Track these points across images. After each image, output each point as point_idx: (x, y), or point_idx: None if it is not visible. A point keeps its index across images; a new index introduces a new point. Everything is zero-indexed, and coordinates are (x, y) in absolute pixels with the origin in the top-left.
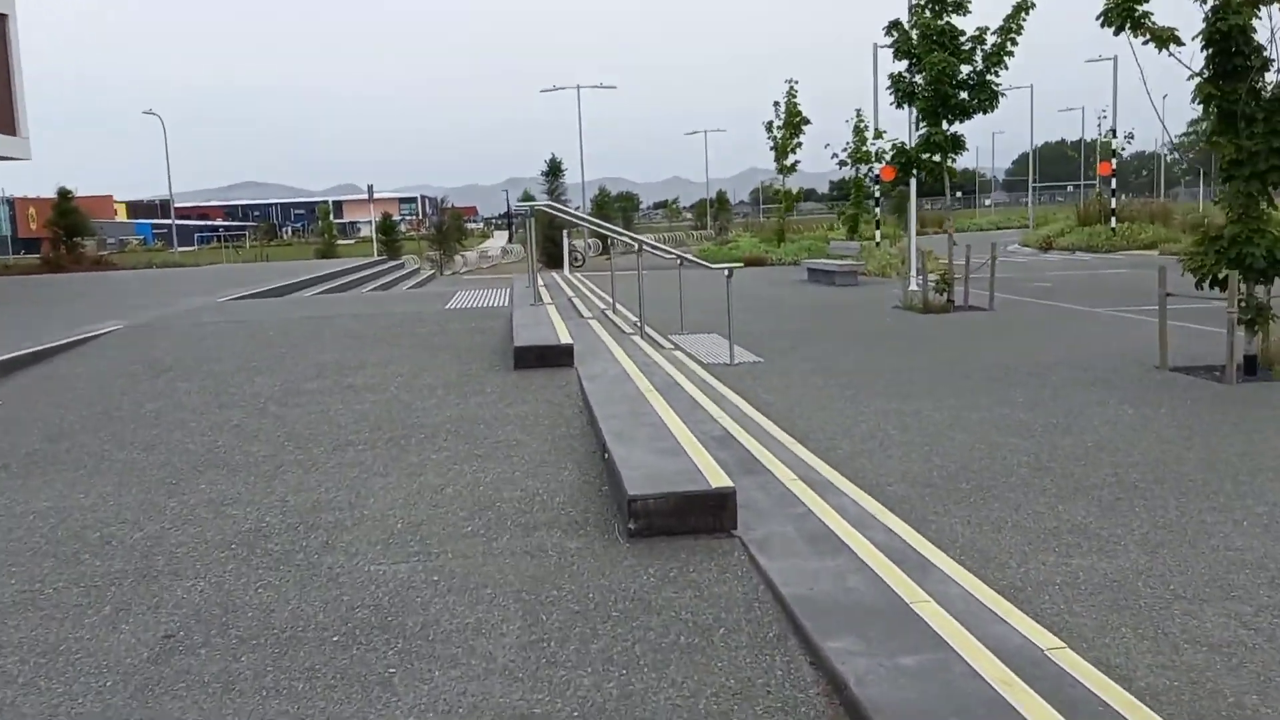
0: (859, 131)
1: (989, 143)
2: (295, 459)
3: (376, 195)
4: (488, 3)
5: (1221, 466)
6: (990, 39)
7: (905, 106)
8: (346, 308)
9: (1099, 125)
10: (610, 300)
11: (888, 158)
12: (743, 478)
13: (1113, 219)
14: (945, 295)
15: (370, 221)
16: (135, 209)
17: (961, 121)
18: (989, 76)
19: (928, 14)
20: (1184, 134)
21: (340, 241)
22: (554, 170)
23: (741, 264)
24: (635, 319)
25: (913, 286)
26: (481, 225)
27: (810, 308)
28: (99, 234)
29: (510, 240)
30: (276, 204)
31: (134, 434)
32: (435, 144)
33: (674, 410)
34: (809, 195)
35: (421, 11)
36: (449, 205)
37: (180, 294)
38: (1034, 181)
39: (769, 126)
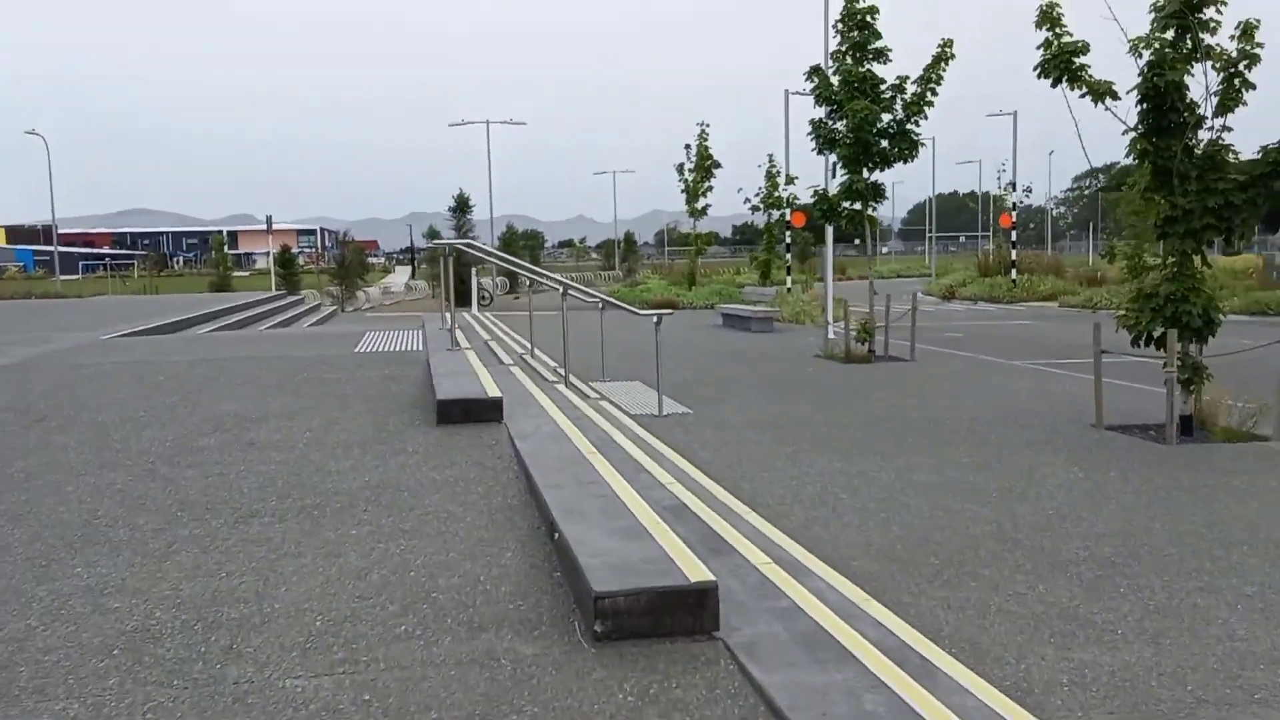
0: (771, 177)
1: (889, 192)
2: (190, 534)
3: (275, 226)
4: (397, 34)
5: (1192, 539)
6: (910, 88)
7: (825, 153)
8: (245, 348)
9: (998, 178)
10: (528, 344)
11: (799, 203)
12: (709, 559)
13: (1013, 271)
14: (866, 345)
15: (268, 253)
16: (15, 234)
17: (882, 170)
18: (909, 125)
19: (849, 61)
20: (1069, 189)
21: (235, 273)
22: (461, 206)
23: (667, 309)
24: (555, 365)
25: (831, 334)
26: (383, 260)
27: (730, 354)
28: None
29: (414, 276)
30: (168, 232)
31: None
32: (335, 175)
33: (620, 475)
34: (713, 239)
35: (326, 39)
36: (350, 238)
37: (61, 328)
38: (931, 232)
39: (680, 169)
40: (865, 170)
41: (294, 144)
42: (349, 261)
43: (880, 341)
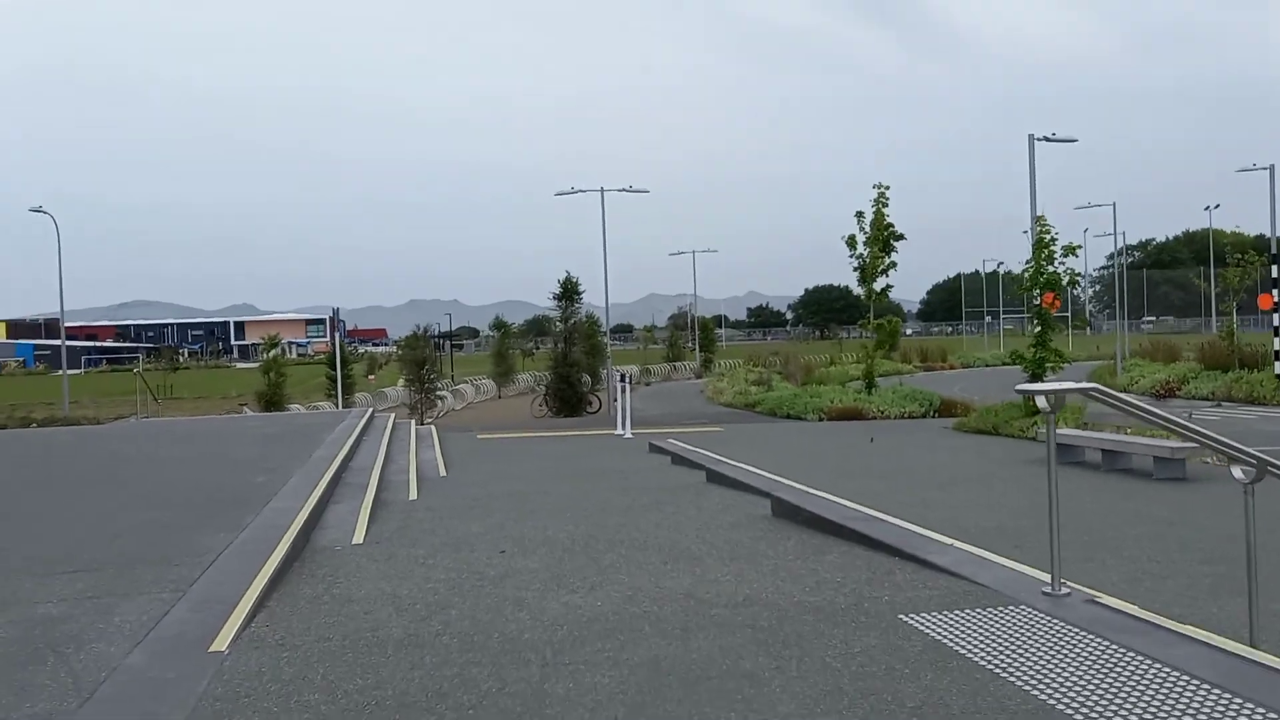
0: (1043, 245)
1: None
2: None
3: (279, 315)
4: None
5: None
6: None
7: None
8: None
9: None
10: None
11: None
12: None
13: (1278, 363)
14: None
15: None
16: (16, 329)
17: None
18: None
19: None
20: (1102, 268)
21: (240, 365)
22: (568, 293)
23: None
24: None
25: None
26: (394, 349)
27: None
28: None
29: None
30: (172, 324)
31: None
32: (329, 262)
33: None
34: (900, 323)
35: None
36: (429, 330)
37: (59, 558)
38: (1121, 300)
39: (851, 241)
40: None
41: (287, 232)
42: (427, 359)
43: None
